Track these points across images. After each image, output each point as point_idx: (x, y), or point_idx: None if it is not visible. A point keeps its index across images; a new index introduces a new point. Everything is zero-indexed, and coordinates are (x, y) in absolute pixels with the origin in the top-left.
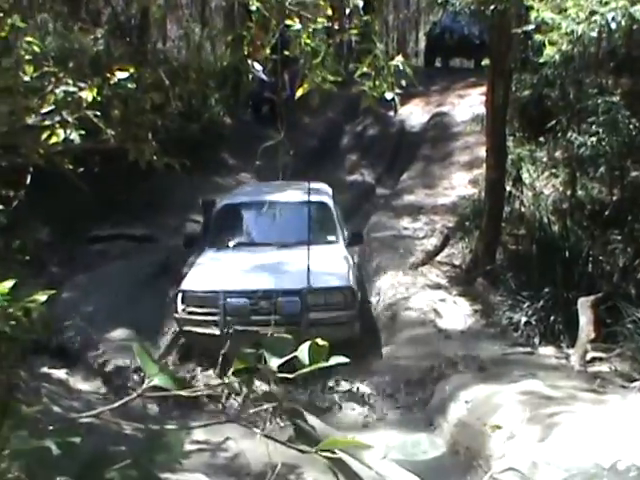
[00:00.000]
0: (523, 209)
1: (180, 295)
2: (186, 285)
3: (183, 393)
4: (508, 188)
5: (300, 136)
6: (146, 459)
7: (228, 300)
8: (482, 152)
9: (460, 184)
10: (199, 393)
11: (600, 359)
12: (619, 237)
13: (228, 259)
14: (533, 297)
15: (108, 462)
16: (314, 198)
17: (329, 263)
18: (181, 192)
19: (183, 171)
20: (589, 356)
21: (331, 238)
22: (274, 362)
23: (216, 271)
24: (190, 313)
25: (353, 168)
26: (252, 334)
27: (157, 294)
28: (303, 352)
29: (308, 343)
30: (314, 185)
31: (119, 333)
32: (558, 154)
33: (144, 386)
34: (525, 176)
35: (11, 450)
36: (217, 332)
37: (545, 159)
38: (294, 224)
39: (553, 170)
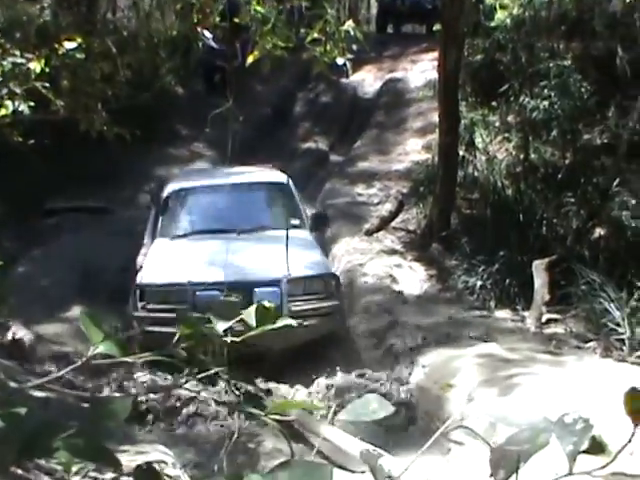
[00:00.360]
0: (477, 173)
1: (138, 290)
2: (145, 278)
3: (129, 359)
4: (461, 153)
5: (252, 104)
6: (91, 427)
7: (197, 294)
8: (435, 118)
9: (414, 150)
10: (146, 358)
11: (555, 321)
12: (572, 200)
13: (186, 248)
14: (488, 261)
15: (54, 432)
16: (272, 178)
17: (300, 249)
18: (134, 163)
19: (136, 142)
20: (544, 318)
21: (295, 222)
22: (220, 326)
23: (177, 261)
24: (151, 310)
25: (306, 136)
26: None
27: (113, 268)
28: (250, 314)
29: (255, 306)
30: (264, 168)
31: (74, 310)
32: (511, 118)
33: (89, 353)
34: (478, 140)
35: None
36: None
37: (498, 123)
38: (252, 207)
39: (506, 134)
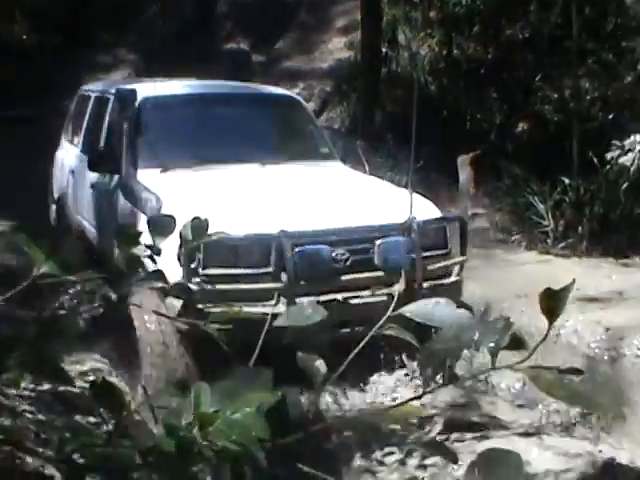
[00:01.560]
0: (400, 70)
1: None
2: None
3: (74, 279)
4: (384, 50)
5: (173, 6)
6: (39, 344)
7: (297, 250)
8: (359, 15)
9: (337, 48)
10: (93, 277)
11: (481, 215)
12: (495, 95)
13: (213, 184)
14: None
15: (7, 349)
16: (282, 92)
17: (371, 186)
18: (58, 70)
19: (58, 48)
20: (470, 212)
21: (324, 151)
22: (159, 242)
23: (229, 202)
24: (215, 280)
25: (228, 37)
26: (342, 306)
27: (42, 181)
28: (186, 228)
29: (191, 221)
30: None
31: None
32: (433, 14)
33: (34, 273)
34: (401, 37)
35: None
36: (281, 308)
37: (420, 19)
38: (268, 131)
39: (428, 30)
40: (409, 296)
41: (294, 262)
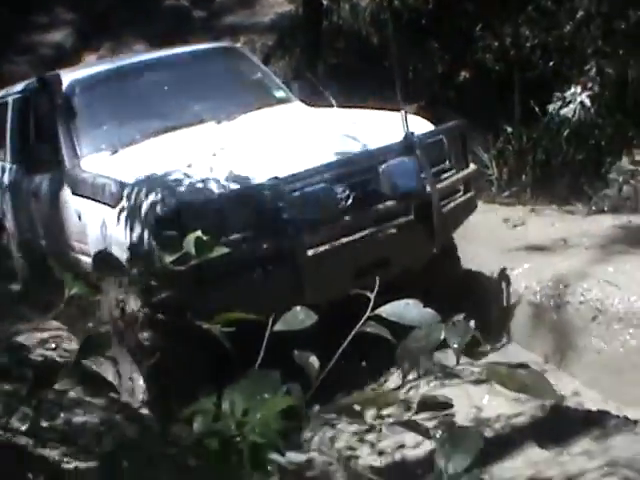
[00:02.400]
0: (341, 22)
1: (170, 217)
2: (181, 194)
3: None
4: (325, 2)
5: None
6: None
7: (294, 195)
8: None
9: (277, 2)
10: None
11: None
12: (436, 45)
13: (168, 153)
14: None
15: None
16: (210, 44)
17: (349, 114)
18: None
19: None
20: None
21: (280, 95)
22: (168, 258)
23: (199, 165)
24: None
25: None
26: (356, 250)
27: None
28: (189, 242)
29: (194, 234)
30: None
31: None
32: None
33: (66, 296)
34: None
35: None
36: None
37: None
38: (212, 85)
39: None
40: (427, 221)
41: (288, 209)
